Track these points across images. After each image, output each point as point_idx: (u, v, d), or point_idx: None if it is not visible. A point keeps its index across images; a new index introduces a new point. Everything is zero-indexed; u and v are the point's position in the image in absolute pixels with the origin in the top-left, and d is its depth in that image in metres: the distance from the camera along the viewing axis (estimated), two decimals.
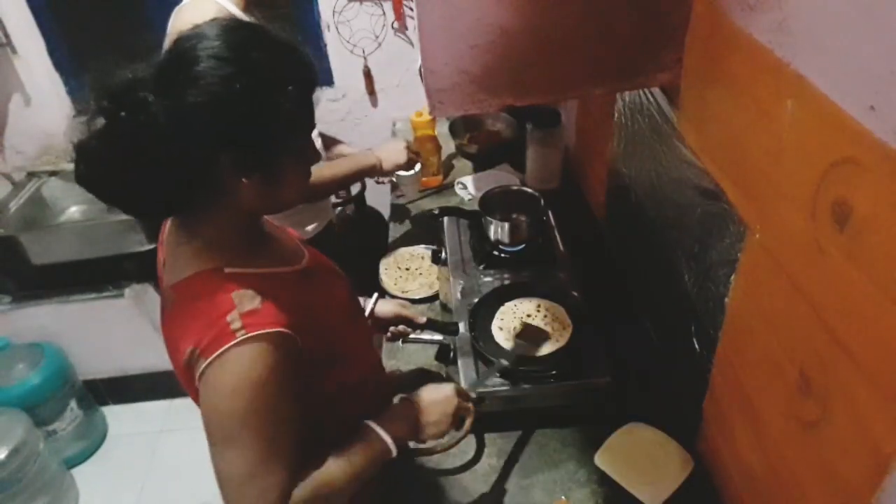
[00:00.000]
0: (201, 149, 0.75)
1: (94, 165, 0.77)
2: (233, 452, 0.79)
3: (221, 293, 0.79)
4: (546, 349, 1.28)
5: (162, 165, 0.75)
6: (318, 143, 1.67)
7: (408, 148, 1.71)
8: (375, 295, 1.28)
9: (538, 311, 1.37)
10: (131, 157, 0.75)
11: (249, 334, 0.77)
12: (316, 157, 0.89)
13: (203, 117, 0.73)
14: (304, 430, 0.84)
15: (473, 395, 1.11)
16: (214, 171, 0.77)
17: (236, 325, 0.77)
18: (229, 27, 0.77)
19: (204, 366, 0.77)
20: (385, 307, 1.28)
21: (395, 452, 0.94)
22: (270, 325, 0.78)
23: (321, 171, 1.50)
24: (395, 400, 1.04)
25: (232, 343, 0.76)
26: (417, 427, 0.99)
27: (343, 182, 1.65)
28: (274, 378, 0.78)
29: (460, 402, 1.04)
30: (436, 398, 1.02)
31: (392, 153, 1.67)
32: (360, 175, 1.66)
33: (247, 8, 1.38)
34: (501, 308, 1.39)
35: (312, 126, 0.86)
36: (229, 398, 0.77)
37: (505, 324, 1.35)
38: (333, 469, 0.87)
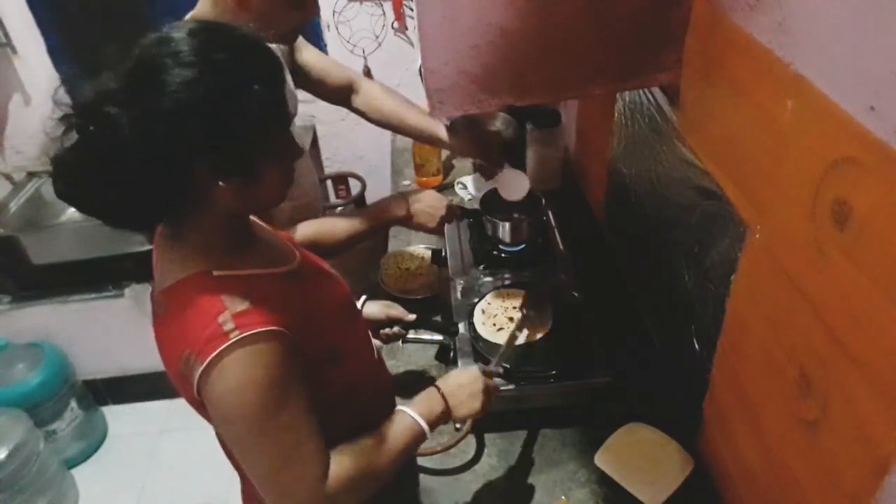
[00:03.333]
0: (174, 157, 0.74)
1: (70, 180, 0.77)
2: (255, 453, 0.80)
3: (211, 296, 0.79)
4: (528, 338, 1.30)
5: (137, 176, 0.74)
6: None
7: (448, 213, 1.42)
8: (364, 297, 1.28)
9: (517, 303, 1.39)
10: (105, 170, 0.74)
11: (243, 335, 0.76)
12: (296, 152, 0.88)
13: (171, 125, 0.72)
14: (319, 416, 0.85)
15: (499, 369, 1.16)
16: (189, 178, 0.76)
17: (228, 326, 0.77)
18: (191, 30, 0.76)
19: (200, 371, 0.77)
20: (372, 308, 1.27)
21: (429, 435, 0.98)
22: (263, 325, 0.78)
23: (336, 223, 1.36)
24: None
25: (226, 345, 0.76)
26: (448, 410, 1.02)
27: (362, 236, 1.38)
28: (276, 373, 0.79)
29: (487, 379, 1.07)
30: (461, 381, 1.05)
31: (426, 213, 1.40)
32: (385, 225, 1.44)
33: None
34: (476, 314, 1.39)
35: (286, 122, 0.85)
36: (238, 403, 0.78)
37: (489, 327, 1.36)
38: (374, 452, 0.90)
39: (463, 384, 1.05)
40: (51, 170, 0.77)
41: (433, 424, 0.99)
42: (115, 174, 0.74)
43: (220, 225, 0.84)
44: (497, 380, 1.23)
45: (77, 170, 0.76)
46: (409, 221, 1.42)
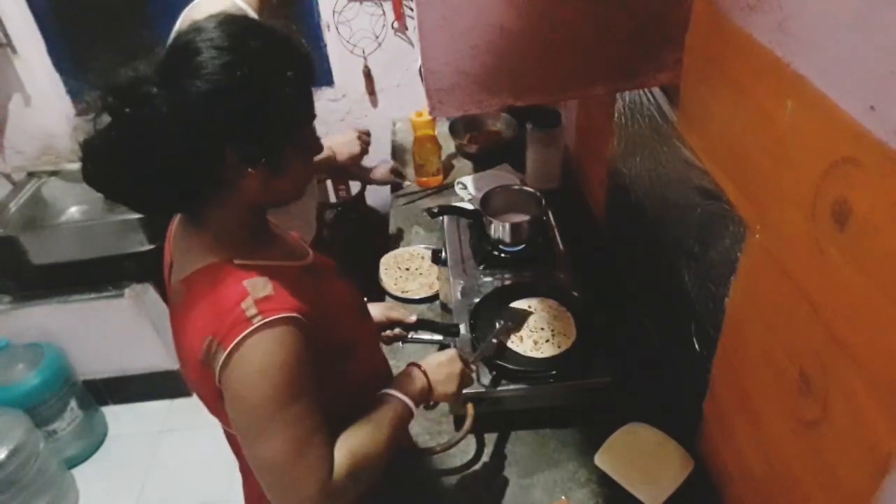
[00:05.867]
0: (207, 139, 0.75)
1: (101, 163, 0.78)
2: (272, 438, 0.80)
3: (233, 282, 0.80)
4: (551, 351, 1.28)
5: (169, 160, 0.75)
6: None
7: (360, 137, 1.72)
8: (363, 299, 1.27)
9: (546, 311, 1.37)
10: (138, 152, 0.75)
11: (266, 319, 0.77)
12: (318, 147, 0.90)
13: (207, 107, 0.74)
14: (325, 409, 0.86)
15: (472, 362, 1.17)
16: (220, 162, 0.77)
17: (252, 311, 0.77)
18: (226, 20, 0.78)
19: (223, 357, 0.77)
20: (373, 311, 1.26)
21: (415, 410, 0.99)
22: (285, 310, 0.79)
23: None
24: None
25: (249, 329, 0.77)
26: (428, 388, 1.03)
27: None
28: (296, 359, 0.80)
29: (464, 365, 1.09)
30: (441, 360, 1.07)
31: (344, 145, 1.69)
32: (317, 170, 1.54)
33: (261, 11, 1.36)
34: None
35: (312, 115, 0.87)
36: (258, 386, 0.78)
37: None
38: (367, 437, 0.91)
39: (442, 363, 1.06)
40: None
41: (417, 402, 1.00)
42: (148, 156, 0.75)
43: (242, 216, 0.85)
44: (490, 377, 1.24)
45: (108, 153, 0.77)
46: (336, 162, 1.66)
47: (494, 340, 1.26)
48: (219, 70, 0.73)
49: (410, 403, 0.98)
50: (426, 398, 1.03)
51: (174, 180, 0.78)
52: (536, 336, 1.32)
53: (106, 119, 0.76)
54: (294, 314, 0.80)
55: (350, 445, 0.88)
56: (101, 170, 0.78)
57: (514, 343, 1.31)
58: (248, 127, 0.77)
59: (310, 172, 0.90)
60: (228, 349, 0.77)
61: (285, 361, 0.78)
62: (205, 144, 0.76)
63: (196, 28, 0.77)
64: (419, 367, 1.04)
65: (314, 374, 0.84)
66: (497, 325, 1.31)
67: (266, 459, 0.82)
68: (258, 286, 0.80)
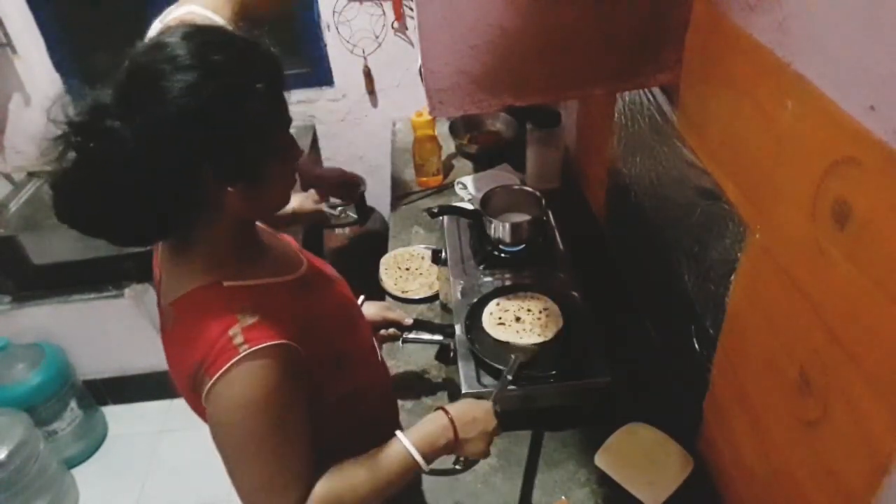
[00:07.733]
0: (179, 165, 0.72)
1: (73, 201, 0.75)
2: (247, 467, 0.80)
3: (222, 308, 0.79)
4: (535, 340, 1.29)
5: (143, 191, 0.72)
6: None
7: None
8: (361, 297, 1.27)
9: (533, 305, 1.38)
10: (109, 187, 0.72)
11: (252, 348, 0.76)
12: (297, 153, 0.86)
13: (175, 133, 0.70)
14: (313, 436, 0.84)
15: (497, 407, 1.05)
16: (198, 185, 0.74)
17: (238, 339, 0.76)
18: (186, 34, 0.74)
19: (209, 385, 0.76)
20: (370, 310, 1.25)
21: (425, 467, 0.92)
22: (272, 338, 0.78)
23: None
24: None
25: (236, 358, 0.75)
26: (455, 444, 0.96)
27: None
28: (279, 391, 0.78)
29: (498, 420, 1.01)
30: (476, 415, 0.98)
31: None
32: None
33: (235, 22, 1.28)
34: (489, 305, 1.40)
35: (288, 121, 0.83)
36: (238, 415, 0.77)
37: (495, 318, 1.37)
38: (359, 474, 0.87)
39: (477, 419, 0.97)
40: (50, 181, 0.74)
41: (434, 455, 0.93)
42: (121, 190, 0.72)
43: (228, 233, 0.83)
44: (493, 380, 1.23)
45: (79, 190, 0.73)
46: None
47: (509, 377, 1.16)
48: (183, 92, 0.69)
49: (420, 460, 0.90)
50: (449, 452, 0.97)
51: (152, 211, 0.75)
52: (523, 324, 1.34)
53: (72, 154, 0.72)
54: (281, 341, 0.79)
55: (340, 483, 0.84)
56: (75, 208, 0.75)
57: (498, 332, 1.32)
58: (222, 146, 0.73)
59: (292, 177, 0.87)
60: (214, 378, 0.76)
61: (268, 393, 0.77)
62: (178, 170, 0.72)
63: (154, 45, 0.73)
64: (448, 414, 0.95)
65: (300, 400, 0.82)
66: (510, 360, 1.21)
67: (239, 485, 0.81)
68: (247, 312, 0.78)
